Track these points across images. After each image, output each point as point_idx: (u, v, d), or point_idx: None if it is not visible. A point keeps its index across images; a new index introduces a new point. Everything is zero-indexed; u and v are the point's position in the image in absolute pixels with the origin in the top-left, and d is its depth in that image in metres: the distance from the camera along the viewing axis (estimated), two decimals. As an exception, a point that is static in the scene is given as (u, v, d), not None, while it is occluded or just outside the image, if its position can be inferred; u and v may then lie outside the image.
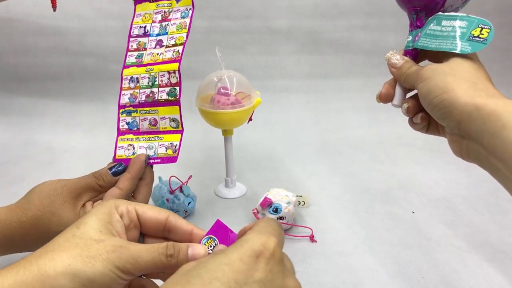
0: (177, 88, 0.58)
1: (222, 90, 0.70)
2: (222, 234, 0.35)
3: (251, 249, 0.29)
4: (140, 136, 0.59)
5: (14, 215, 0.48)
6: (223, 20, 1.09)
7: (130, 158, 0.58)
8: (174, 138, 0.58)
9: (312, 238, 0.65)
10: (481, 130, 0.36)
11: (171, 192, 0.69)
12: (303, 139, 1.04)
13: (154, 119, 0.59)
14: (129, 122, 0.60)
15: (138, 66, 0.61)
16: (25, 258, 0.31)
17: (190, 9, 0.61)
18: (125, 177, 0.53)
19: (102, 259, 0.31)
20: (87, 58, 1.10)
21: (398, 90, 0.47)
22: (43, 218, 0.48)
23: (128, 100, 0.60)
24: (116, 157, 0.59)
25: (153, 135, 0.59)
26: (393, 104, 0.48)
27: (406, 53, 0.48)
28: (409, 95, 0.48)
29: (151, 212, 0.37)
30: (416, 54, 0.48)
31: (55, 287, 0.30)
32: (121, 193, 0.51)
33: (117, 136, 0.61)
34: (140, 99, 0.59)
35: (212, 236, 0.35)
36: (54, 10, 0.68)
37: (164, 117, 0.58)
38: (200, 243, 0.35)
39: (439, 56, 0.45)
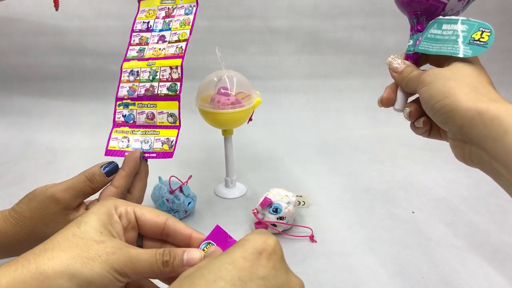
0: (178, 83, 0.57)
1: (222, 90, 0.70)
2: (221, 240, 0.35)
3: (253, 247, 0.29)
4: (136, 130, 0.59)
5: (9, 224, 0.48)
6: (223, 20, 1.09)
7: (123, 150, 0.57)
8: (171, 133, 0.57)
9: (312, 238, 0.65)
10: (484, 135, 0.36)
11: (171, 192, 0.69)
12: (303, 139, 1.04)
13: (152, 113, 0.58)
14: (125, 114, 0.60)
15: (139, 60, 0.61)
16: (23, 256, 0.31)
17: (194, 6, 0.61)
18: (120, 175, 0.52)
19: (102, 260, 0.31)
20: (87, 58, 1.10)
21: (399, 95, 0.47)
22: (37, 229, 0.48)
23: (126, 93, 0.60)
24: (109, 148, 0.59)
25: (149, 129, 0.58)
26: (395, 109, 0.48)
27: (407, 57, 0.48)
28: (410, 99, 0.47)
29: (150, 214, 0.36)
30: (417, 58, 0.48)
31: (53, 287, 0.29)
32: (116, 191, 0.51)
33: (112, 128, 0.60)
34: (139, 93, 0.59)
35: (211, 241, 0.35)
36: (57, 10, 0.68)
37: (162, 111, 0.58)
38: (198, 247, 0.35)
39: (441, 60, 0.45)
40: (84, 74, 1.11)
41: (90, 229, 0.32)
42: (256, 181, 0.83)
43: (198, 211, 0.74)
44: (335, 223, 0.70)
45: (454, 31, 0.42)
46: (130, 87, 0.60)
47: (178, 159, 0.92)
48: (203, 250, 0.34)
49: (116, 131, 0.60)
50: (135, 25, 0.64)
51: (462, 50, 0.41)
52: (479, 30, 0.40)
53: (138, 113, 0.59)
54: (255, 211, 0.66)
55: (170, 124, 0.58)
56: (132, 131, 0.59)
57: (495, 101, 0.37)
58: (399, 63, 0.46)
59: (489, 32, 0.40)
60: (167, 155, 0.56)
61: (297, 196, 0.72)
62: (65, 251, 0.31)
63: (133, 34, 0.63)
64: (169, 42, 0.60)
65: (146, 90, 0.59)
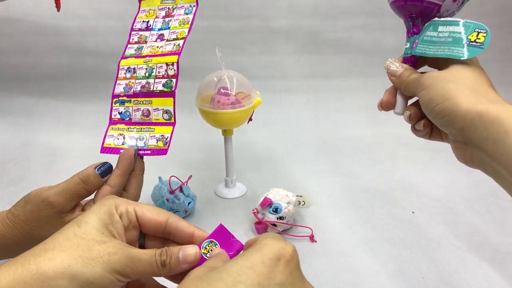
0: (174, 80, 0.57)
1: (222, 90, 0.70)
2: (224, 240, 0.35)
3: (272, 252, 0.29)
4: (132, 127, 0.59)
5: (6, 226, 0.48)
6: (223, 20, 1.09)
7: (118, 148, 0.57)
8: (166, 130, 0.57)
9: (312, 238, 0.65)
10: (484, 137, 0.36)
11: (171, 192, 0.69)
12: (303, 139, 1.04)
13: (147, 110, 0.58)
14: (121, 112, 0.60)
15: (136, 57, 0.61)
16: (23, 256, 0.31)
17: (194, 6, 0.61)
18: (115, 174, 0.52)
19: (103, 261, 0.30)
20: (87, 58, 1.10)
21: (399, 98, 0.47)
22: (33, 231, 0.47)
23: (122, 90, 0.60)
24: (104, 145, 0.59)
25: (144, 126, 0.58)
26: (395, 112, 0.48)
27: (405, 60, 0.48)
28: (410, 101, 0.47)
29: (151, 213, 0.36)
30: (415, 61, 0.47)
31: None
32: (112, 191, 0.51)
33: (108, 125, 0.60)
34: (135, 89, 0.59)
35: (214, 240, 0.35)
36: (58, 10, 0.68)
37: (158, 108, 0.58)
38: (200, 246, 0.35)
39: (439, 62, 0.45)
40: (84, 74, 1.11)
41: (91, 229, 0.32)
42: (256, 181, 0.83)
43: (198, 211, 0.74)
44: (335, 223, 0.70)
45: (450, 33, 0.42)
46: (126, 84, 0.60)
47: (178, 159, 0.92)
48: (205, 248, 0.34)
49: (112, 128, 0.60)
50: (134, 24, 0.64)
51: (459, 52, 0.41)
52: (474, 31, 0.40)
53: (134, 110, 0.59)
54: (255, 211, 0.66)
55: (165, 121, 0.57)
56: (128, 128, 0.59)
57: (495, 102, 0.37)
58: (397, 66, 0.46)
59: (484, 32, 0.40)
60: (162, 152, 0.56)
61: (297, 196, 0.72)
62: (66, 252, 0.30)
63: (132, 32, 0.63)
64: (167, 40, 0.60)
65: (142, 87, 0.59)
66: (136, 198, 0.54)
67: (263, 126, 1.06)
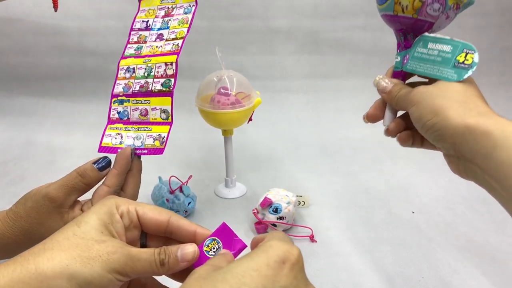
0: (172, 79, 0.57)
1: (222, 90, 0.70)
2: (227, 238, 0.35)
3: (277, 255, 0.29)
4: (130, 126, 0.59)
5: (6, 225, 0.48)
6: (223, 20, 1.09)
7: (116, 147, 0.57)
8: (163, 130, 0.57)
9: (312, 238, 0.65)
10: (475, 151, 0.36)
11: (171, 192, 0.69)
12: (303, 139, 1.04)
13: (145, 109, 0.58)
14: (120, 111, 0.60)
15: (136, 57, 0.61)
16: (22, 255, 0.31)
17: (193, 5, 0.61)
18: (112, 173, 0.52)
19: (102, 260, 0.30)
20: (87, 58, 1.10)
21: (387, 113, 0.48)
22: (33, 229, 0.47)
23: (121, 90, 0.60)
24: (102, 145, 0.59)
25: (142, 126, 0.58)
26: (384, 124, 0.49)
27: (395, 74, 0.48)
28: (400, 113, 0.48)
29: (152, 213, 0.36)
30: (405, 75, 0.48)
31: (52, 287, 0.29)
32: (109, 191, 0.51)
33: (107, 124, 0.60)
34: (134, 89, 0.59)
35: (216, 238, 0.35)
36: (56, 10, 0.68)
37: (156, 107, 0.58)
38: (203, 244, 0.35)
39: None
40: (84, 74, 1.11)
41: (91, 229, 0.32)
42: (256, 181, 0.83)
43: (198, 211, 0.74)
44: (335, 223, 0.70)
45: (439, 52, 0.42)
46: (125, 84, 0.60)
47: (178, 159, 0.92)
48: (208, 246, 0.34)
49: (110, 127, 0.60)
50: (134, 24, 0.64)
51: (448, 74, 0.41)
52: (463, 52, 0.41)
53: (132, 109, 0.59)
54: (255, 211, 0.66)
55: (162, 121, 0.58)
56: (126, 127, 0.59)
57: (484, 115, 0.37)
58: (386, 82, 0.47)
59: (472, 53, 0.40)
60: (158, 151, 0.56)
61: (297, 196, 0.72)
62: (64, 251, 0.30)
63: (132, 32, 0.64)
64: (167, 40, 0.60)
65: (141, 86, 0.59)
66: (134, 197, 0.54)
67: (263, 126, 1.06)
